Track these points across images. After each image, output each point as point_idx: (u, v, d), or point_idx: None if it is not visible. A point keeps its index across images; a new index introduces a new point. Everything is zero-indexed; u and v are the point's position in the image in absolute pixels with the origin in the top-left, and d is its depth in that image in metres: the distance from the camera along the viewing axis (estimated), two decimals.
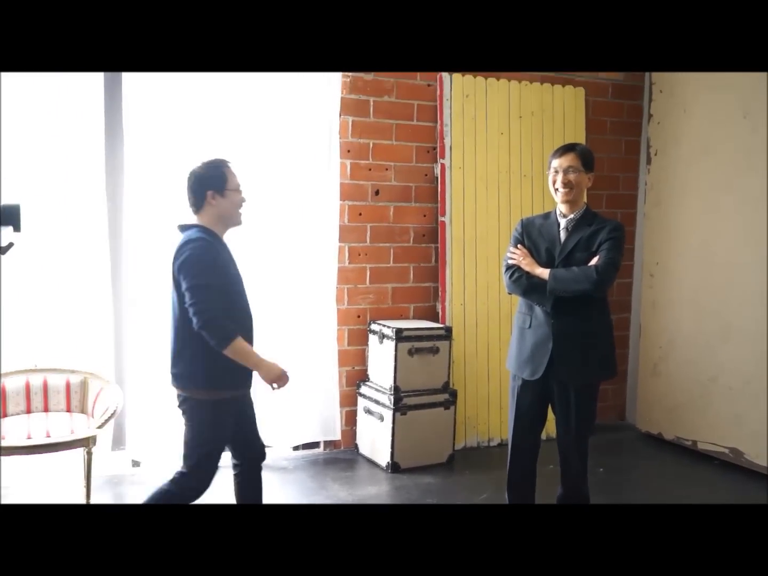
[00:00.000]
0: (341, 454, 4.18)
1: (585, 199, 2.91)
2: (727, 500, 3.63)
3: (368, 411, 4.06)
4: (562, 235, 2.81)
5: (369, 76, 4.06)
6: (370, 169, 4.12)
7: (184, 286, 2.44)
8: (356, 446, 4.20)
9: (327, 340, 4.09)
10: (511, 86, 4.39)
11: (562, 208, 2.84)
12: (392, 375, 3.88)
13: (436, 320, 4.28)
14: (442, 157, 4.22)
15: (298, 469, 3.94)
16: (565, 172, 2.77)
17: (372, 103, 4.09)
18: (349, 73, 3.99)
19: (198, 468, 2.56)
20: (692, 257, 4.31)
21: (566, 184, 2.76)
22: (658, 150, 4.56)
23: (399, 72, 4.07)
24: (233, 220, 2.61)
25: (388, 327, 3.94)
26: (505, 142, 4.38)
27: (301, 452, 4.17)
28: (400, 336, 3.86)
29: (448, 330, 4.02)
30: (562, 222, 2.83)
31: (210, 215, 2.57)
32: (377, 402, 3.98)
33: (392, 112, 4.15)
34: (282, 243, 3.94)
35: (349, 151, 4.06)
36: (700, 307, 4.29)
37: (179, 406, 2.59)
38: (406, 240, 4.26)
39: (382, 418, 3.94)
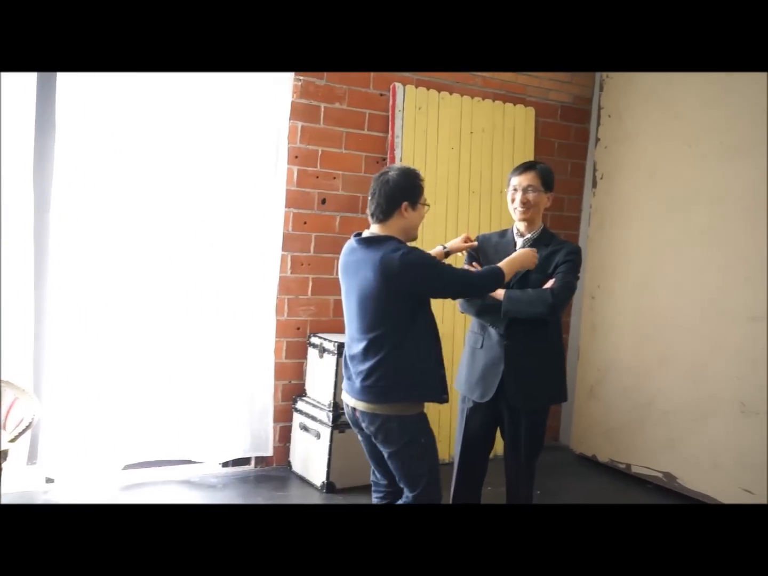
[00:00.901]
0: (273, 472, 4.00)
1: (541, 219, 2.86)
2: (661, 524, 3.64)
3: (304, 427, 3.90)
4: None
5: (321, 81, 3.93)
6: (317, 177, 3.99)
7: (429, 288, 2.42)
8: (289, 463, 4.04)
9: (264, 351, 3.92)
10: (464, 101, 4.34)
11: (519, 226, 2.79)
12: (332, 391, 3.74)
13: None
14: None
15: (227, 488, 3.75)
16: (525, 190, 2.71)
17: (323, 110, 3.97)
18: (301, 77, 3.85)
19: (429, 487, 2.45)
20: (633, 282, 4.35)
21: (525, 203, 2.71)
22: (604, 174, 4.59)
23: (350, 72, 3.94)
24: (413, 234, 2.52)
25: (330, 341, 3.80)
26: (455, 157, 4.32)
27: (231, 469, 3.98)
28: (342, 351, 3.71)
29: None
30: (519, 241, 2.77)
31: (397, 227, 2.44)
32: (314, 418, 3.83)
33: (343, 119, 4.03)
34: (223, 249, 3.75)
35: (296, 157, 3.91)
36: (638, 332, 4.33)
37: (375, 428, 2.42)
38: None
39: (318, 436, 3.79)
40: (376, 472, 2.66)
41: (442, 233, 4.23)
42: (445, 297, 2.55)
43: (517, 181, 2.75)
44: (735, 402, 3.81)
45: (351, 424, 2.61)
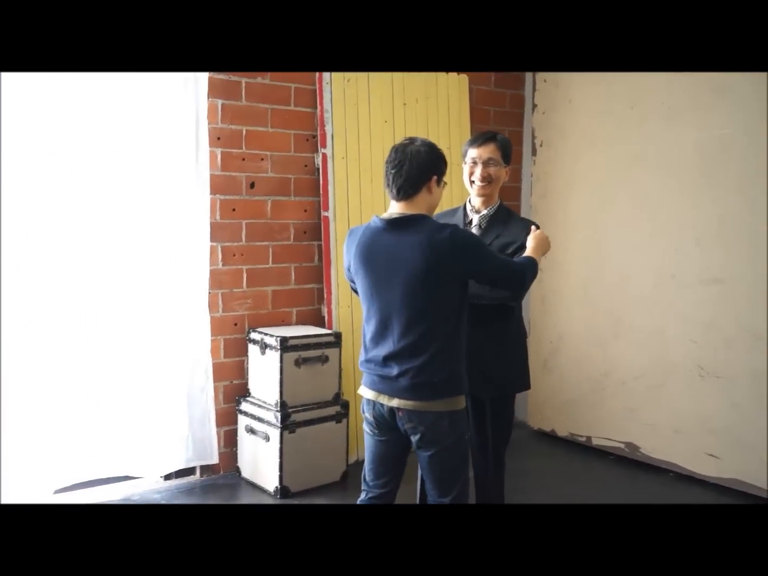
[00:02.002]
0: (221, 480, 3.72)
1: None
2: (627, 496, 3.55)
3: (251, 430, 3.63)
4: (474, 232, 2.53)
5: (238, 72, 3.59)
6: (243, 159, 3.68)
7: (478, 271, 2.20)
8: (237, 469, 3.75)
9: (199, 352, 3.60)
10: (395, 72, 4.08)
11: (475, 202, 2.57)
12: (278, 389, 3.47)
13: (322, 325, 3.91)
14: (324, 146, 3.85)
15: (172, 502, 3.44)
16: (485, 164, 2.50)
17: (244, 85, 3.65)
18: None
19: (464, 488, 2.30)
20: (582, 251, 4.22)
21: (485, 177, 2.50)
22: (544, 141, 4.43)
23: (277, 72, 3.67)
24: (433, 212, 2.32)
25: (271, 336, 3.52)
26: (390, 131, 4.08)
27: (174, 481, 3.66)
28: (285, 345, 3.45)
29: (338, 336, 3.67)
30: (475, 218, 2.56)
31: (424, 204, 2.21)
32: (261, 420, 3.56)
33: (267, 95, 3.72)
34: (143, 243, 3.40)
35: (219, 138, 3.59)
36: (591, 302, 4.21)
37: (425, 427, 2.20)
38: (286, 238, 3.85)
39: (267, 438, 3.52)
40: (374, 474, 2.39)
41: (380, 210, 3.95)
42: (484, 283, 2.31)
43: (476, 153, 2.53)
44: (693, 367, 3.72)
45: (373, 425, 2.33)
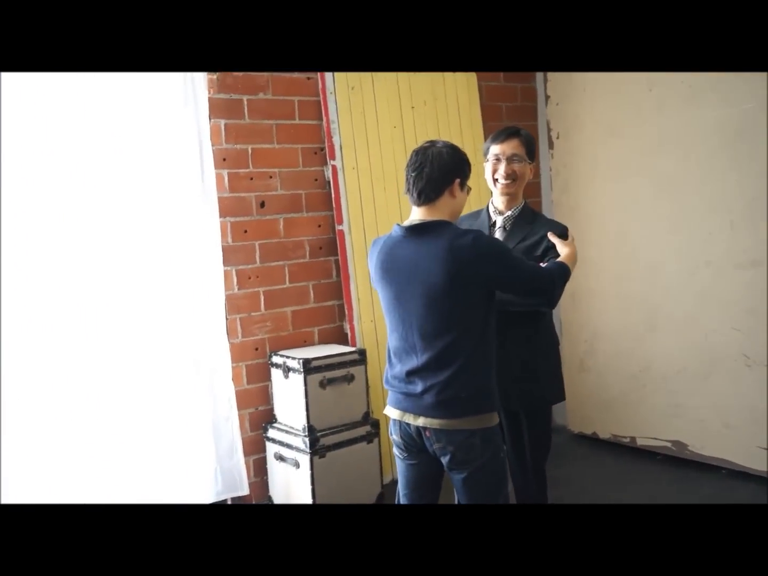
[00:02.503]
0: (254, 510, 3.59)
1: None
2: (679, 498, 3.37)
3: (280, 457, 3.50)
4: (498, 236, 2.39)
5: (239, 72, 3.50)
6: (251, 179, 3.57)
7: (503, 279, 2.09)
8: (269, 498, 3.63)
9: (221, 380, 3.49)
10: (399, 75, 3.96)
11: (498, 202, 2.43)
12: (304, 413, 3.34)
13: (345, 342, 3.78)
14: (333, 158, 3.73)
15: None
16: (509, 160, 2.36)
17: (246, 102, 3.54)
18: None
19: None
20: (610, 244, 4.04)
21: (509, 174, 2.36)
22: (560, 133, 4.27)
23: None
24: (457, 217, 2.20)
25: (293, 358, 3.40)
26: (400, 136, 3.94)
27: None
28: (308, 367, 3.33)
29: (362, 353, 3.53)
30: (498, 220, 2.42)
31: (447, 209, 2.10)
32: (289, 446, 3.44)
33: (270, 111, 3.61)
34: (156, 274, 3.30)
35: (224, 159, 3.49)
36: (623, 296, 4.03)
37: (455, 447, 2.07)
38: (301, 255, 3.73)
39: (297, 465, 3.39)
40: (409, 500, 2.26)
41: (396, 221, 3.82)
42: (513, 292, 2.18)
43: (499, 149, 2.39)
44: (737, 356, 3.53)
45: (402, 447, 2.22)
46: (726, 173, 3.48)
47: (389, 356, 2.20)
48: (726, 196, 3.49)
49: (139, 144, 3.22)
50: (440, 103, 4.11)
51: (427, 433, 2.10)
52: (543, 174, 4.51)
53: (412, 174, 2.10)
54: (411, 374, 2.10)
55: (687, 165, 3.64)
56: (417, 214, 2.13)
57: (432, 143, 2.14)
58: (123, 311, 3.23)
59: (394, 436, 2.21)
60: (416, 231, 2.08)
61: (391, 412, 2.20)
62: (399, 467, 2.26)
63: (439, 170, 2.07)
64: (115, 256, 3.21)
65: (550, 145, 4.35)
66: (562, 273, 2.21)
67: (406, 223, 2.14)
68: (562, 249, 2.30)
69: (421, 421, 2.10)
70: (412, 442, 2.17)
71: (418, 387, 2.08)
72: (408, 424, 2.14)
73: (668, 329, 3.82)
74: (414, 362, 2.09)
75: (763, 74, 3.28)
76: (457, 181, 2.10)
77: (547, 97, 4.35)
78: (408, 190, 2.13)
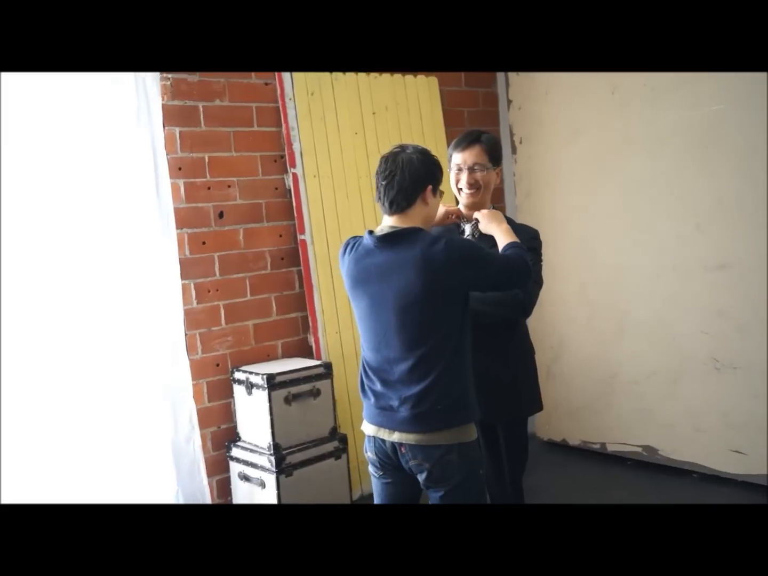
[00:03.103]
0: None
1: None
2: (651, 502, 3.33)
3: (245, 477, 3.36)
4: None
5: (194, 78, 3.37)
6: (209, 188, 3.43)
7: (480, 279, 2.01)
8: None
9: (181, 399, 3.34)
10: (360, 79, 3.87)
11: (466, 212, 2.34)
12: (269, 431, 3.21)
13: (310, 356, 3.66)
14: (293, 165, 3.62)
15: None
16: (471, 170, 2.27)
17: (202, 109, 3.41)
18: (169, 75, 3.28)
19: None
20: (575, 248, 4.00)
21: (472, 184, 2.28)
22: (523, 137, 4.23)
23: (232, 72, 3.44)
24: (430, 227, 2.13)
25: (257, 374, 3.27)
26: (361, 143, 3.85)
27: None
28: (272, 383, 3.20)
29: (328, 366, 3.42)
30: (467, 228, 2.33)
31: (419, 216, 2.03)
32: (254, 465, 3.30)
33: (227, 118, 3.48)
34: (107, 290, 3.14)
35: (180, 168, 3.34)
36: (589, 301, 3.99)
37: (432, 463, 1.97)
38: (262, 267, 3.60)
39: (263, 484, 3.26)
40: None
41: (360, 229, 3.74)
42: (492, 289, 2.11)
43: (460, 158, 2.31)
44: (707, 359, 3.52)
45: (377, 465, 2.11)
46: (693, 176, 3.46)
47: (364, 368, 2.10)
48: (693, 199, 3.48)
49: (89, 153, 3.06)
50: (402, 108, 4.03)
51: (403, 449, 2.00)
52: (506, 179, 4.46)
53: (383, 183, 2.02)
54: (386, 387, 2.02)
55: (653, 168, 3.62)
56: (389, 222, 2.04)
57: (402, 148, 2.06)
58: (77, 328, 3.06)
59: (369, 454, 2.11)
60: (388, 240, 2.00)
61: (366, 428, 2.11)
62: (374, 486, 2.16)
63: (410, 178, 1.99)
64: (69, 272, 3.04)
65: (513, 149, 4.30)
66: (522, 252, 2.10)
67: (378, 231, 2.05)
68: (489, 223, 2.22)
69: (396, 437, 2.01)
70: (388, 459, 2.07)
71: (394, 400, 2.00)
72: (383, 440, 2.04)
73: (636, 334, 3.79)
74: (389, 375, 2.01)
75: (729, 75, 3.28)
76: (430, 187, 2.03)
77: (509, 102, 4.30)
78: (379, 198, 2.05)
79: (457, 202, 2.45)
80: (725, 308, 3.41)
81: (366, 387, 2.10)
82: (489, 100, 4.48)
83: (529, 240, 2.28)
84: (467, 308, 2.03)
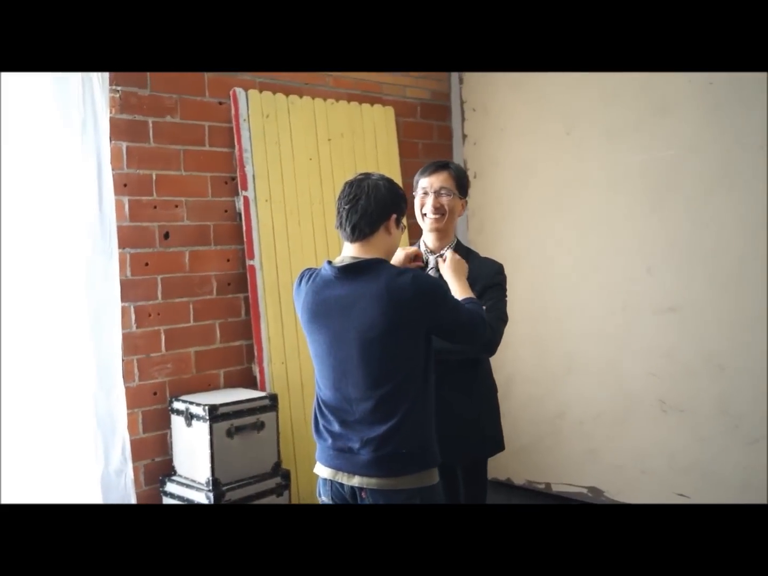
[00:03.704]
0: None
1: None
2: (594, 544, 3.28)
3: None
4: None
5: (144, 92, 3.23)
6: (155, 207, 3.28)
7: (442, 321, 1.90)
8: None
9: (114, 429, 3.13)
10: (316, 105, 3.79)
11: (429, 239, 2.28)
12: (209, 465, 3.04)
13: (254, 386, 3.51)
14: (245, 188, 3.50)
15: None
16: (437, 194, 2.21)
17: (151, 125, 3.26)
18: (119, 87, 3.14)
19: None
20: (526, 286, 3.98)
21: (438, 209, 2.21)
22: (477, 172, 4.22)
23: (180, 78, 3.32)
24: (392, 257, 2.04)
25: (198, 404, 3.10)
26: (316, 169, 3.76)
27: None
28: (214, 414, 3.04)
29: (273, 398, 3.27)
30: (431, 259, 2.26)
31: (382, 247, 1.94)
32: (191, 501, 3.11)
33: (178, 135, 3.35)
34: (41, 309, 2.94)
35: (125, 185, 3.18)
36: (538, 340, 3.97)
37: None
38: (207, 291, 3.45)
39: None
40: None
41: (311, 257, 3.64)
42: (448, 338, 1.98)
43: (427, 182, 2.25)
44: (654, 401, 3.53)
45: None
46: (645, 218, 3.50)
47: (319, 406, 1.98)
48: (645, 242, 3.51)
49: (28, 161, 2.87)
50: (357, 136, 3.97)
51: (363, 494, 1.88)
52: None
53: (345, 207, 1.93)
54: (346, 428, 1.90)
55: (607, 208, 3.65)
56: (350, 252, 1.95)
57: (366, 175, 1.98)
58: (5, 346, 2.84)
59: (324, 498, 1.98)
60: (350, 271, 1.90)
61: (322, 471, 1.98)
62: None
63: (375, 204, 1.91)
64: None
65: None
66: (480, 309, 2.03)
67: (338, 261, 1.95)
68: (450, 273, 2.14)
69: (356, 481, 1.89)
70: (343, 503, 1.95)
71: (354, 442, 1.88)
72: (341, 485, 1.92)
73: (585, 374, 3.78)
74: (349, 414, 1.90)
75: (684, 119, 3.34)
76: (394, 216, 1.95)
77: (464, 136, 4.30)
78: (340, 224, 1.95)
79: (420, 233, 2.39)
80: (673, 351, 3.44)
81: (321, 427, 1.97)
82: (444, 134, 4.48)
83: (493, 275, 2.23)
84: (430, 350, 1.93)
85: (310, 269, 2.03)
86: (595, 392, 3.74)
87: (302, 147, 3.71)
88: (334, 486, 1.93)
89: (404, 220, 2.03)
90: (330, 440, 1.93)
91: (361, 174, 2.00)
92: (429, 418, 1.92)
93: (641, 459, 3.58)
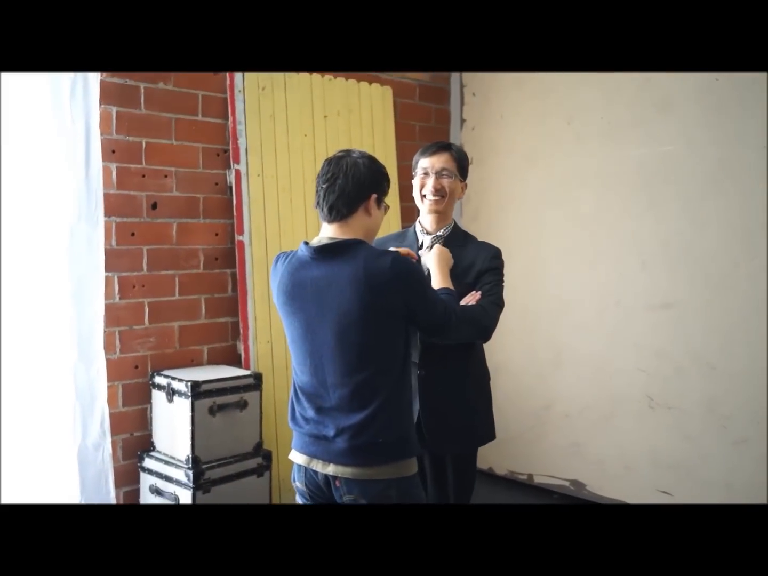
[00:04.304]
0: None
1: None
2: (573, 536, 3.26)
3: (156, 491, 3.10)
4: (425, 258, 2.17)
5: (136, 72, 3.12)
6: (143, 176, 3.18)
7: (418, 308, 1.81)
8: None
9: (92, 400, 3.05)
10: (314, 80, 3.71)
11: (426, 222, 2.22)
12: (189, 443, 2.97)
13: (238, 364, 3.44)
14: (237, 161, 3.41)
15: None
16: (438, 175, 2.15)
17: (143, 91, 3.16)
18: None
19: None
20: (519, 276, 3.90)
21: (438, 190, 2.15)
22: (474, 159, 4.14)
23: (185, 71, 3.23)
24: (371, 241, 1.92)
25: (180, 380, 3.03)
26: (310, 145, 3.68)
27: None
28: (197, 391, 2.97)
29: (258, 377, 3.21)
30: (426, 240, 2.19)
31: (360, 227, 1.85)
32: (169, 478, 3.04)
33: (170, 103, 3.25)
34: (22, 275, 2.85)
35: (114, 151, 3.09)
36: (529, 331, 3.93)
37: (368, 500, 1.80)
38: (194, 265, 3.37)
39: (177, 500, 3.01)
40: None
41: (301, 235, 3.57)
42: (421, 328, 1.91)
43: (428, 162, 2.19)
44: (642, 397, 3.50)
45: (306, 497, 1.92)
46: (642, 213, 3.46)
47: (295, 392, 1.92)
48: (640, 237, 3.47)
49: (14, 122, 2.77)
50: (354, 114, 3.89)
51: (337, 482, 1.83)
52: None
53: (323, 186, 1.85)
54: (321, 414, 1.84)
55: (603, 202, 3.60)
56: (327, 232, 1.87)
57: (347, 153, 1.90)
58: None
59: (298, 484, 1.92)
60: (326, 252, 1.81)
61: (297, 457, 1.92)
62: None
63: (354, 183, 1.82)
64: None
65: None
66: (455, 302, 2.00)
67: (315, 241, 1.86)
68: (434, 264, 2.09)
69: (331, 469, 1.83)
70: (319, 492, 1.89)
71: (330, 430, 1.82)
72: (315, 472, 1.86)
73: (574, 367, 3.75)
74: (325, 401, 1.83)
75: (685, 115, 3.29)
76: (374, 196, 1.86)
77: (462, 121, 4.23)
78: (318, 204, 1.88)
79: (418, 213, 2.33)
80: (664, 348, 3.41)
81: (297, 413, 1.91)
82: (442, 118, 4.40)
83: (491, 259, 2.17)
84: (410, 338, 1.87)
85: (286, 252, 1.95)
86: (583, 386, 3.71)
87: (297, 122, 3.63)
88: (308, 473, 1.88)
89: (387, 196, 1.96)
90: (306, 427, 1.87)
91: (341, 151, 1.91)
92: (407, 408, 1.87)
93: (625, 454, 3.55)
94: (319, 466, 1.85)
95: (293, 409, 1.92)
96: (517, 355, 3.97)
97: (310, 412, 1.86)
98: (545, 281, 3.85)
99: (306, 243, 1.87)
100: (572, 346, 3.74)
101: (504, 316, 4.05)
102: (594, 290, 3.65)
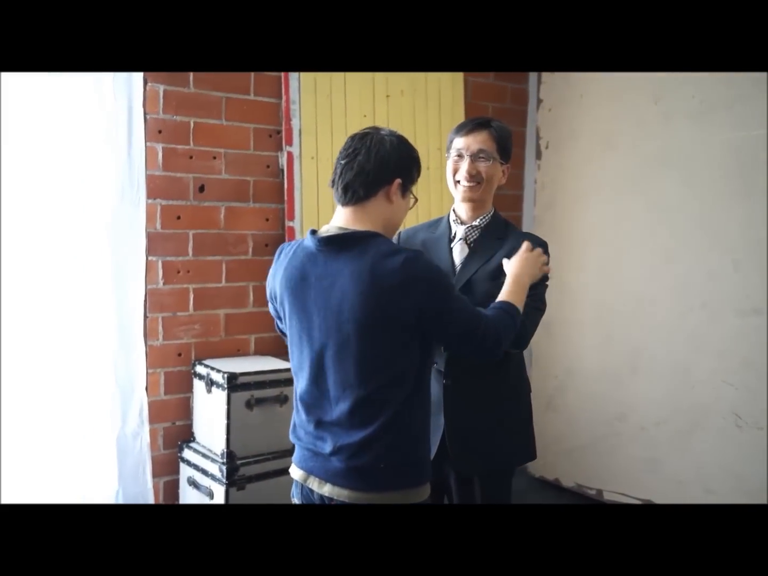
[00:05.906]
0: None
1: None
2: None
3: (194, 483, 3.00)
4: (458, 251, 1.91)
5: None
6: (191, 157, 3.07)
7: (436, 318, 1.55)
8: None
9: (132, 388, 2.98)
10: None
11: (461, 210, 1.96)
12: (224, 436, 2.85)
13: (285, 355, 3.28)
14: (289, 143, 3.24)
15: None
16: (474, 157, 1.88)
17: None
18: None
19: None
20: (594, 271, 3.60)
21: (474, 176, 1.89)
22: (550, 143, 3.82)
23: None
24: (394, 232, 1.71)
25: (219, 370, 2.90)
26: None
27: None
28: (233, 383, 2.84)
29: None
30: (459, 231, 1.94)
31: (378, 215, 1.61)
32: (205, 472, 2.94)
33: (221, 81, 3.12)
34: (63, 259, 2.79)
35: (160, 131, 2.99)
36: (604, 331, 3.59)
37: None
38: (243, 251, 3.24)
39: (211, 495, 2.90)
40: None
41: None
42: (443, 341, 1.67)
43: (462, 143, 1.91)
44: (727, 413, 3.11)
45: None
46: (732, 206, 3.06)
47: (296, 404, 1.72)
48: (731, 232, 3.07)
49: (50, 101, 2.70)
50: (419, 95, 3.64)
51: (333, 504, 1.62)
52: (527, 186, 4.06)
53: (342, 162, 1.63)
54: (321, 428, 1.62)
55: (690, 191, 3.22)
56: (339, 218, 1.63)
57: (376, 129, 1.66)
58: (22, 302, 2.72)
59: (296, 500, 1.73)
60: (335, 243, 1.58)
61: (294, 473, 1.72)
62: None
63: (376, 161, 1.58)
64: (14, 237, 2.70)
65: (538, 155, 3.90)
66: (508, 316, 1.67)
67: (323, 230, 1.64)
68: (513, 269, 1.79)
69: (327, 489, 1.61)
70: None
71: (327, 446, 1.60)
72: (311, 490, 1.66)
73: (652, 374, 3.39)
74: (326, 414, 1.61)
75: None
76: (398, 181, 1.61)
77: (539, 101, 3.91)
78: (333, 182, 1.66)
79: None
80: (754, 358, 3.00)
81: (297, 425, 1.71)
82: (518, 98, 4.08)
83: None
84: (428, 350, 1.61)
85: (289, 242, 1.75)
86: (662, 396, 3.34)
87: (356, 102, 3.43)
88: (304, 490, 1.67)
89: (415, 185, 1.71)
90: (305, 439, 1.67)
91: (370, 127, 1.68)
92: (421, 426, 1.62)
93: (706, 476, 3.18)
94: (315, 485, 1.65)
95: (293, 421, 1.74)
96: (589, 356, 3.64)
97: (310, 425, 1.66)
98: (623, 277, 3.50)
99: (313, 231, 1.65)
100: (651, 350, 3.38)
101: (577, 314, 3.73)
102: (678, 289, 3.27)
